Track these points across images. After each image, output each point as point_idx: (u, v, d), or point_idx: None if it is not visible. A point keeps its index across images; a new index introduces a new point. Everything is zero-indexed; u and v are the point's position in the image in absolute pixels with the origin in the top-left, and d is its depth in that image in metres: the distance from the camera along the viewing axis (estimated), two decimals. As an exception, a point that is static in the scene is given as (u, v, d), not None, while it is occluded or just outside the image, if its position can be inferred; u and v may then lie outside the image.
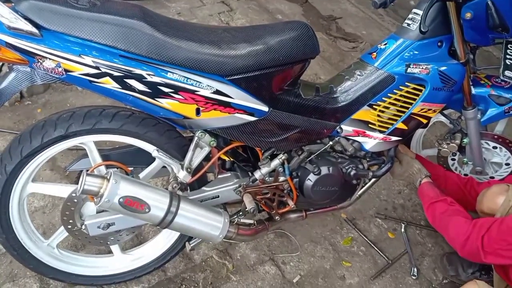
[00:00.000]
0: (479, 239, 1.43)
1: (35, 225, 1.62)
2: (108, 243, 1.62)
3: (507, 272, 1.59)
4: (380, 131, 1.62)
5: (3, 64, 1.31)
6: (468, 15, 1.44)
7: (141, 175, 1.54)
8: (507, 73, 1.65)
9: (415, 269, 1.98)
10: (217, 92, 1.33)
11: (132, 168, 1.56)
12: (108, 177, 1.30)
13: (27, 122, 2.43)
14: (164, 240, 1.75)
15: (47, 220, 2.00)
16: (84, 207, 1.52)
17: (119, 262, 1.73)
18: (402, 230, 2.15)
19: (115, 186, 1.28)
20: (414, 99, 1.57)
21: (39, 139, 1.35)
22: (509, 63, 1.67)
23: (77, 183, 1.52)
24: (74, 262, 1.68)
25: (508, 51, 1.70)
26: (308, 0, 4.08)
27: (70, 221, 1.51)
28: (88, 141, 1.43)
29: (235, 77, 1.33)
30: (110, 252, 1.74)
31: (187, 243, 1.66)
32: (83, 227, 1.49)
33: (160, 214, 1.35)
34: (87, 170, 1.37)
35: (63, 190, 1.51)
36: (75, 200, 1.48)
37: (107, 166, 1.48)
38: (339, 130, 1.59)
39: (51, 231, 1.89)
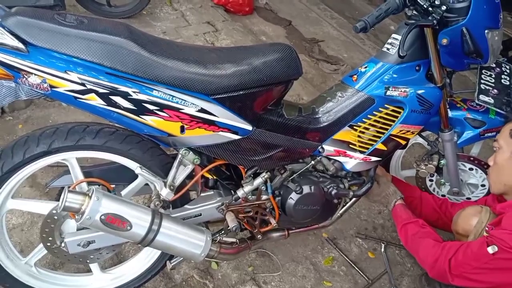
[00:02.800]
0: (446, 262, 1.48)
1: (13, 243, 1.58)
2: (88, 261, 1.60)
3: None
4: (361, 152, 1.65)
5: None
6: (444, 41, 1.50)
7: (123, 192, 1.53)
8: (481, 97, 1.72)
9: (395, 289, 2.00)
10: (202, 110, 1.35)
11: (114, 185, 1.55)
12: (90, 194, 1.29)
13: (7, 137, 2.40)
14: (144, 259, 1.73)
15: (25, 237, 1.96)
16: (64, 224, 1.50)
17: (98, 281, 1.70)
18: (382, 250, 2.17)
19: (97, 203, 1.28)
20: (393, 121, 1.62)
21: (21, 155, 1.34)
22: (483, 88, 1.74)
23: (57, 200, 1.51)
24: (52, 281, 1.64)
25: (483, 76, 1.78)
26: (291, 23, 4.17)
27: (50, 238, 1.49)
28: (70, 158, 1.42)
29: (220, 96, 1.35)
30: (89, 270, 1.71)
31: (168, 262, 1.65)
32: (63, 244, 1.47)
33: (141, 232, 1.35)
34: (69, 187, 1.36)
35: (43, 207, 1.49)
36: (56, 217, 1.46)
37: (89, 183, 1.47)
38: (320, 150, 1.62)
39: (29, 249, 1.86)
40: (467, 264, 1.45)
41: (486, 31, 1.49)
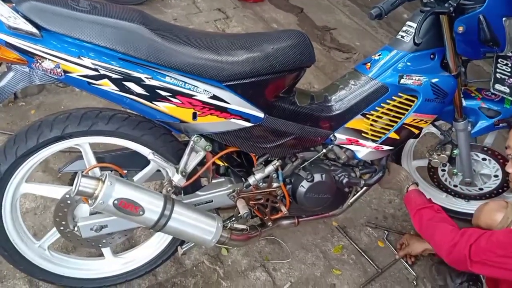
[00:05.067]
0: (467, 248, 1.46)
1: (26, 226, 1.61)
2: (100, 245, 1.62)
3: (497, 285, 1.61)
4: (373, 140, 1.64)
5: (1, 64, 1.31)
6: (460, 29, 1.48)
7: (136, 178, 1.55)
8: (497, 86, 1.69)
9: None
10: (214, 97, 1.34)
11: (126, 171, 1.56)
12: (103, 179, 1.30)
13: (20, 123, 2.42)
14: (156, 244, 1.75)
15: (38, 221, 1.98)
16: (77, 209, 1.52)
17: (110, 265, 1.73)
18: (385, 238, 2.15)
19: (110, 188, 1.29)
20: (407, 110, 1.60)
21: (35, 140, 1.36)
22: (499, 77, 1.71)
23: (70, 184, 1.53)
24: (65, 264, 1.67)
25: (498, 65, 1.75)
26: (303, 10, 4.13)
27: (63, 222, 1.51)
28: (83, 143, 1.43)
29: (232, 83, 1.35)
30: (101, 255, 1.73)
31: (179, 247, 1.66)
32: (76, 228, 1.49)
33: (154, 217, 1.36)
34: (82, 172, 1.37)
35: (57, 191, 1.51)
36: (69, 202, 1.48)
37: (102, 168, 1.49)
38: (332, 138, 1.62)
39: (42, 233, 1.88)
40: (491, 251, 1.42)
41: (503, 19, 1.46)
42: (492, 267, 1.44)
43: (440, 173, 2.06)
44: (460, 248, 1.47)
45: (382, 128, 1.63)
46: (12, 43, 1.17)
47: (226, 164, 1.63)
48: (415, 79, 1.54)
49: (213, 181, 1.65)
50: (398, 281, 2.01)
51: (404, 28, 1.57)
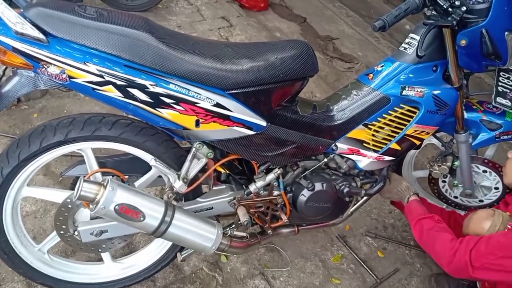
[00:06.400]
0: (467, 254, 1.46)
1: (26, 230, 1.61)
2: (100, 250, 1.62)
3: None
4: (374, 151, 1.65)
5: (6, 68, 1.32)
6: (463, 42, 1.49)
7: (137, 183, 1.55)
8: (499, 99, 1.70)
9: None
10: (217, 105, 1.35)
11: (128, 176, 1.57)
12: (105, 184, 1.31)
13: (23, 126, 2.43)
14: (155, 250, 1.75)
15: (38, 225, 1.99)
16: (78, 213, 1.52)
17: (109, 270, 1.73)
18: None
19: (112, 193, 1.29)
20: (408, 121, 1.61)
21: (38, 144, 1.36)
22: (501, 90, 1.72)
23: (71, 189, 1.53)
24: (64, 268, 1.66)
25: (500, 78, 1.76)
26: (306, 20, 4.15)
27: (63, 226, 1.51)
28: (86, 148, 1.44)
29: (236, 91, 1.36)
30: (100, 259, 1.73)
31: (178, 253, 1.66)
32: (76, 233, 1.50)
33: (154, 223, 1.36)
34: (84, 176, 1.38)
35: (58, 196, 1.51)
36: (70, 206, 1.49)
37: (103, 173, 1.49)
38: (334, 148, 1.62)
39: (42, 236, 1.89)
40: (491, 254, 1.42)
41: (506, 33, 1.47)
42: (494, 271, 1.43)
43: (440, 184, 2.06)
44: (460, 255, 1.47)
45: (384, 138, 1.63)
46: (19, 48, 1.18)
47: (227, 171, 1.64)
48: (417, 91, 1.55)
49: (214, 188, 1.65)
50: (397, 292, 2.01)
51: (407, 40, 1.58)
